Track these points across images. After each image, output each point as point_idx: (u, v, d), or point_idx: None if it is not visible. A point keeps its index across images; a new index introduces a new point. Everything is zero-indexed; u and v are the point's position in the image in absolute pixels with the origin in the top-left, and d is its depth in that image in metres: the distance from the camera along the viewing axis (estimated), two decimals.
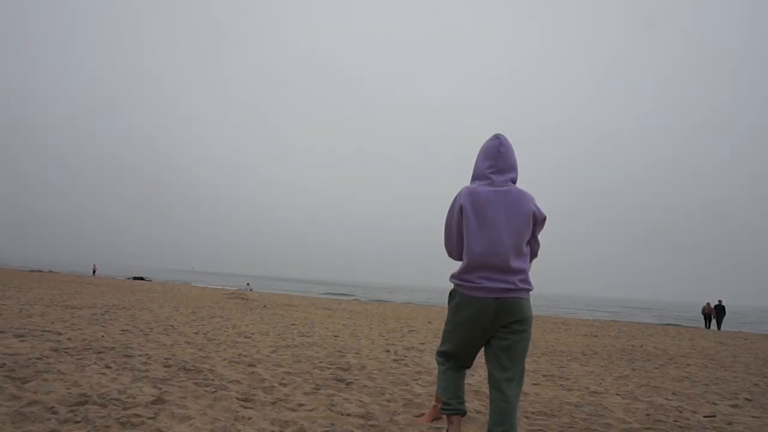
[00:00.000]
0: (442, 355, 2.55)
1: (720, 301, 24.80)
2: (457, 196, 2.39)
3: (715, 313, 24.37)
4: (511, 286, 2.26)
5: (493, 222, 2.27)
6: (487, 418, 2.78)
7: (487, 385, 2.50)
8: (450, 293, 2.48)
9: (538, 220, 2.36)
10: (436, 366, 2.61)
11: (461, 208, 2.33)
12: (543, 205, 2.39)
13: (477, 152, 2.52)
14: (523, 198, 2.32)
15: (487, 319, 2.27)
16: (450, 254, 2.50)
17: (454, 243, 2.42)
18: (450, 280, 2.44)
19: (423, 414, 3.32)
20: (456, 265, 2.48)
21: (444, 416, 2.62)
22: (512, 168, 2.40)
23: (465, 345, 2.40)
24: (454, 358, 2.50)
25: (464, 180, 2.63)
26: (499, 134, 2.45)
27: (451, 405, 2.46)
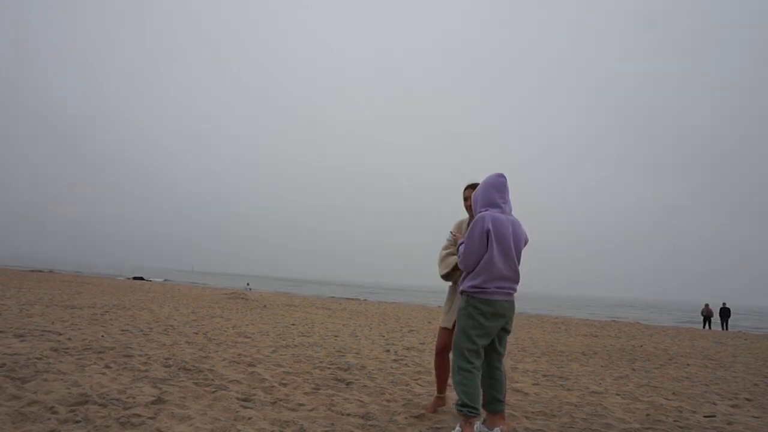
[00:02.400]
0: (474, 353, 2.88)
1: (724, 304, 26.16)
2: (480, 221, 2.90)
3: (721, 315, 25.13)
4: (514, 291, 3.00)
5: (509, 243, 2.92)
6: None
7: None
8: (466, 302, 2.93)
9: (527, 243, 3.11)
10: (460, 372, 2.84)
11: (488, 232, 2.87)
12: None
13: (483, 185, 3.07)
14: (521, 226, 3.05)
15: (504, 316, 2.94)
16: (465, 268, 2.96)
17: (474, 260, 2.91)
18: (467, 290, 2.92)
19: (422, 413, 3.33)
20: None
21: (460, 415, 2.83)
22: (509, 201, 3.10)
23: (489, 337, 2.96)
24: (479, 353, 2.91)
25: (455, 183, 2.97)
26: (503, 173, 3.07)
27: (477, 408, 2.79)
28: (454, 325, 3.37)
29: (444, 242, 3.51)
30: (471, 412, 2.75)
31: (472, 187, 3.40)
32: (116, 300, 12.37)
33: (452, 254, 3.39)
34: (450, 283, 3.47)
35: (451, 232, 3.30)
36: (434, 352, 3.54)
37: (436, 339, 3.59)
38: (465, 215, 3.53)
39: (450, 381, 3.54)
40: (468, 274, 2.96)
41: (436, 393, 3.61)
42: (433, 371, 5.06)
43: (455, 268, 3.33)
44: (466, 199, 3.45)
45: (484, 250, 2.88)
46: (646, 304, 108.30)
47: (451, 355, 3.04)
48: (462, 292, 2.98)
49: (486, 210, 2.97)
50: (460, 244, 3.05)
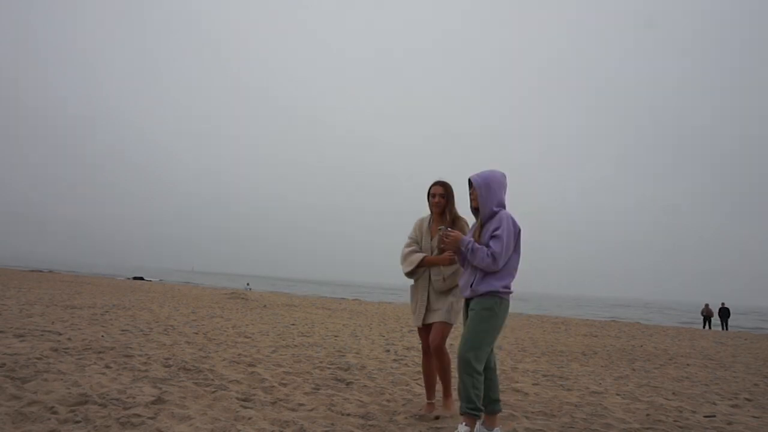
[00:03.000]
0: (487, 354, 2.84)
1: (723, 304, 26.12)
2: (512, 220, 2.87)
3: (720, 315, 25.14)
4: None
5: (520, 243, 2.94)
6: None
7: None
8: (497, 304, 2.82)
9: None
10: (475, 375, 2.77)
11: (519, 233, 2.88)
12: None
13: (495, 183, 2.92)
14: None
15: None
16: (496, 268, 2.82)
17: (505, 259, 2.84)
18: (500, 291, 2.82)
19: (422, 414, 3.31)
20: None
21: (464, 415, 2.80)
22: None
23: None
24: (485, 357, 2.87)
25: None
26: (504, 173, 3.01)
27: (482, 409, 2.79)
28: (429, 324, 3.37)
29: (406, 240, 3.50)
30: (479, 413, 2.76)
31: (442, 184, 3.37)
32: (116, 300, 12.37)
33: (416, 252, 3.39)
34: (412, 281, 3.46)
35: (446, 228, 3.09)
36: (423, 357, 3.52)
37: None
38: (426, 212, 3.49)
39: (437, 383, 3.52)
40: (489, 274, 2.84)
41: (426, 399, 3.51)
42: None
43: (420, 265, 3.33)
44: (434, 195, 3.36)
45: (512, 250, 2.86)
46: (645, 304, 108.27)
47: (463, 355, 2.84)
48: (491, 293, 2.82)
49: (500, 209, 2.91)
50: (470, 243, 2.86)
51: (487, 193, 2.90)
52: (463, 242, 2.88)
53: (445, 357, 3.35)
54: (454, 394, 3.52)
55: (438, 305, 3.32)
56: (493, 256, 2.79)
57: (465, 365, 2.76)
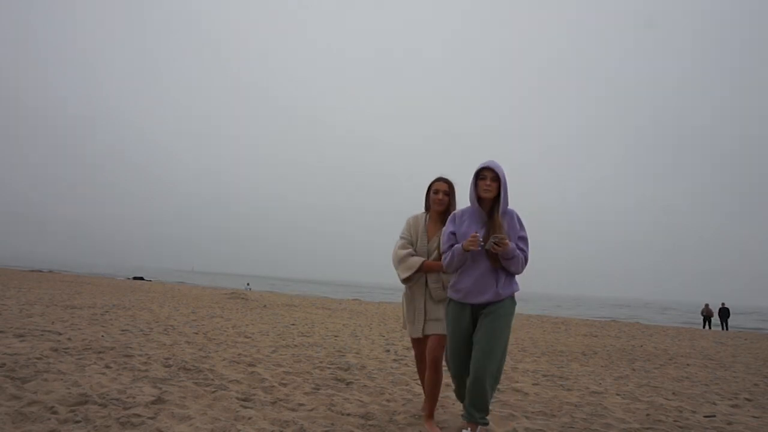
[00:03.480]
0: None
1: (723, 304, 26.15)
2: None
3: (720, 315, 25.16)
4: None
5: None
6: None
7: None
8: (515, 304, 2.83)
9: None
10: (493, 387, 2.70)
11: None
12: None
13: (506, 181, 2.78)
14: None
15: None
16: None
17: None
18: (515, 292, 2.83)
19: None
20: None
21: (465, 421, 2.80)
22: None
23: None
24: None
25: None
26: None
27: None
28: (426, 335, 3.12)
29: (399, 240, 3.19)
30: (486, 422, 2.74)
31: (446, 181, 3.15)
32: (116, 300, 12.36)
33: (412, 255, 3.10)
34: (405, 288, 3.20)
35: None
36: (418, 366, 3.34)
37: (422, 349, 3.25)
38: (420, 210, 3.25)
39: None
40: (511, 275, 2.78)
41: (426, 415, 3.12)
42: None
43: (418, 270, 3.05)
44: (436, 192, 3.13)
45: None
46: (645, 304, 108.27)
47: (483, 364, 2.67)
48: (511, 295, 2.79)
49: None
50: (515, 249, 2.69)
51: (506, 188, 2.76)
52: (512, 250, 2.67)
53: (440, 372, 3.09)
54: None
55: (437, 315, 3.07)
56: (526, 261, 2.77)
57: (494, 380, 2.67)
